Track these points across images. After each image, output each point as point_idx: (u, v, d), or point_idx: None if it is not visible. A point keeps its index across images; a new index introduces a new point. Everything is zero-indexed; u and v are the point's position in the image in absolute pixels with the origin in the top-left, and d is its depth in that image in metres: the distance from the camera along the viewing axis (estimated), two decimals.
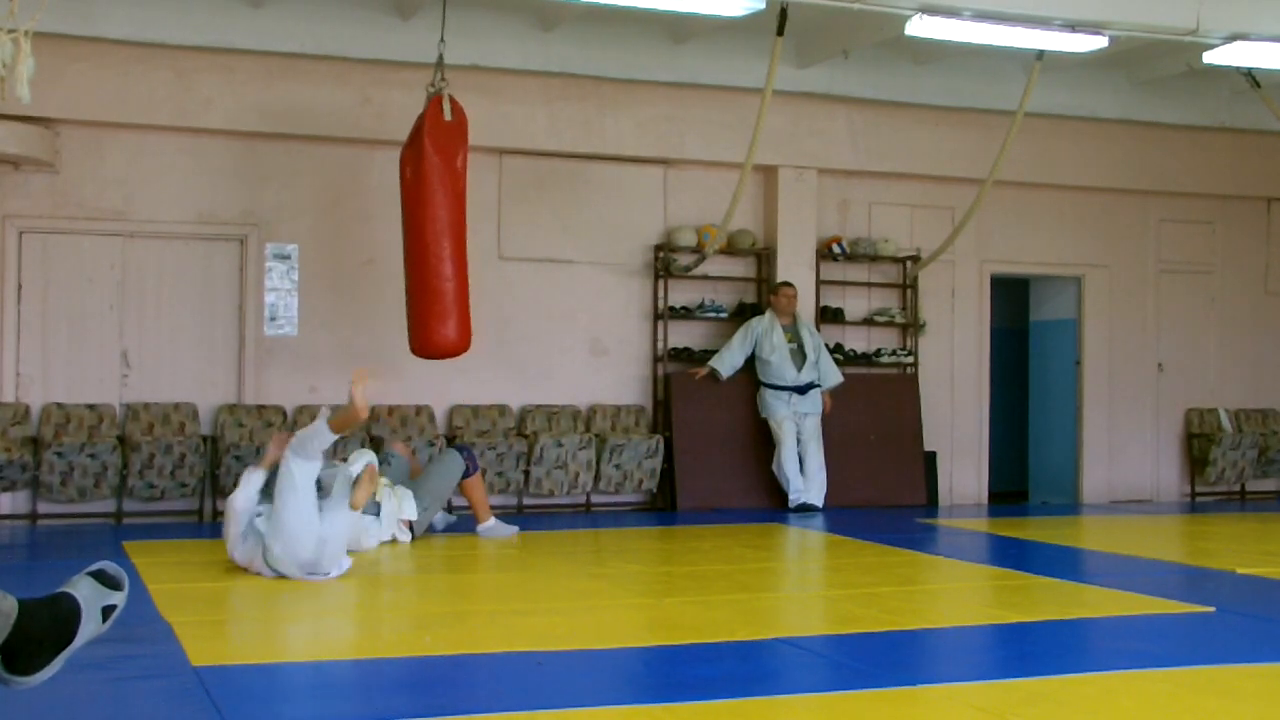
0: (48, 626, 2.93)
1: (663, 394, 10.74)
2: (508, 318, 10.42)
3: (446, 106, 8.58)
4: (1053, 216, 12.04)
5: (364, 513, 7.81)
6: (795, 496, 10.35)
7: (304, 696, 4.21)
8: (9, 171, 9.34)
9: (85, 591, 3.04)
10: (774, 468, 10.46)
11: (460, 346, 8.84)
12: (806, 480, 10.42)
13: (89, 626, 3.01)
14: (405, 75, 9.67)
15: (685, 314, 10.86)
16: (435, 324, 8.68)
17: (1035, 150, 11.34)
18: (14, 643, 2.83)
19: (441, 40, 8.63)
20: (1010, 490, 12.54)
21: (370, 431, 9.88)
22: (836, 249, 11.14)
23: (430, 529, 8.47)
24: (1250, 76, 10.03)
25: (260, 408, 9.74)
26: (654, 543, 8.72)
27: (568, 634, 5.23)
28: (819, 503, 10.42)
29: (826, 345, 10.80)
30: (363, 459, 7.21)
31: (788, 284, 10.65)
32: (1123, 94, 11.66)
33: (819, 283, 11.13)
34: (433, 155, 8.54)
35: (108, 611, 3.07)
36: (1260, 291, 12.76)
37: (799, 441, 10.46)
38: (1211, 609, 5.91)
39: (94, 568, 3.14)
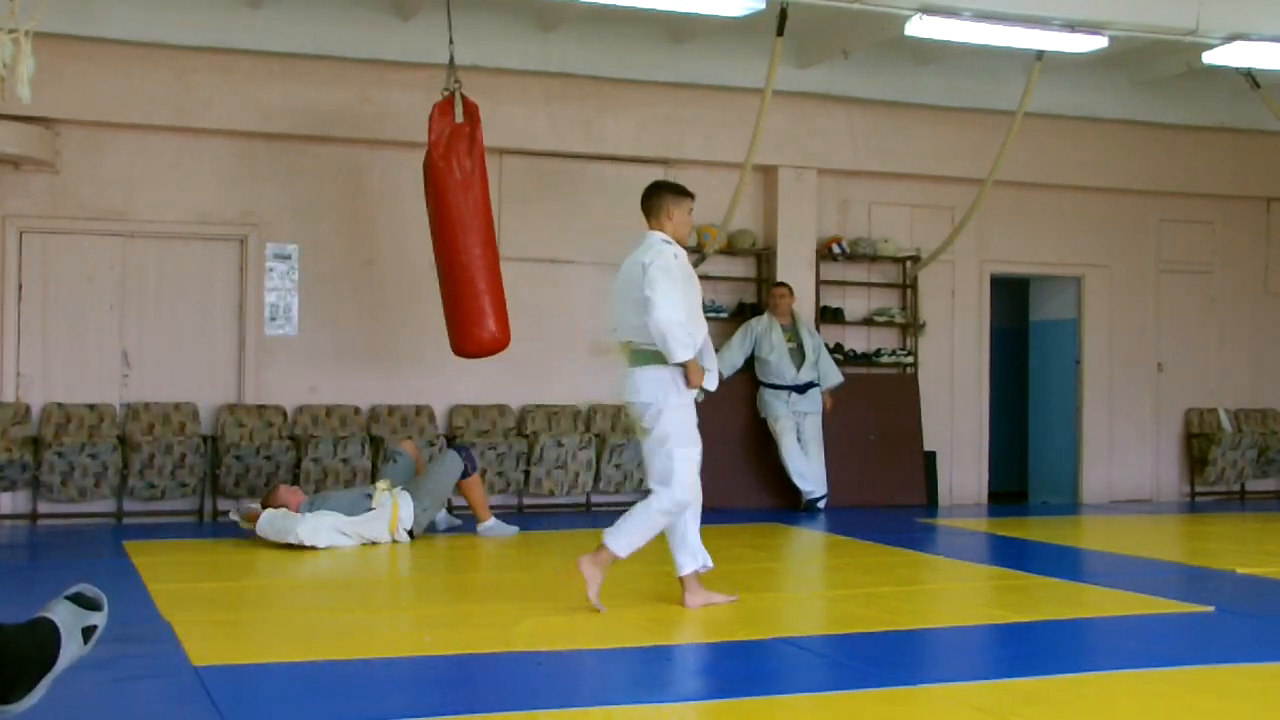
0: (27, 651, 2.91)
1: None
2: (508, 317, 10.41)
3: (459, 107, 8.59)
4: (1053, 216, 12.04)
5: (355, 512, 7.87)
6: (808, 491, 10.35)
7: (304, 696, 4.21)
8: (9, 171, 9.33)
9: (63, 615, 3.02)
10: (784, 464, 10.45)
11: (500, 343, 8.85)
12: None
13: (70, 648, 2.99)
14: (405, 75, 9.67)
15: None
16: (474, 322, 8.69)
17: (1035, 150, 11.34)
18: None
19: (450, 41, 8.63)
20: (1010, 490, 12.53)
21: (370, 432, 9.88)
22: (836, 249, 11.14)
23: (432, 528, 8.47)
24: (1250, 76, 10.03)
25: (260, 407, 9.73)
26: (654, 543, 8.67)
27: (568, 634, 5.23)
28: (821, 501, 10.42)
29: (826, 345, 10.79)
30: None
31: (780, 284, 10.65)
32: (1123, 94, 11.66)
33: (819, 283, 11.13)
34: (445, 159, 8.53)
35: (89, 632, 3.05)
36: (1260, 291, 12.76)
37: (799, 441, 10.46)
38: (1211, 609, 5.92)
39: (71, 591, 3.11)
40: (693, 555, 5.79)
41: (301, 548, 7.66)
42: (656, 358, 5.65)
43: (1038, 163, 11.54)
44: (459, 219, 8.56)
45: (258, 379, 9.81)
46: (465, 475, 8.43)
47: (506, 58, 10.07)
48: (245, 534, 8.12)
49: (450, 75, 8.63)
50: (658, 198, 5.93)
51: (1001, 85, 10.95)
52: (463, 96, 8.62)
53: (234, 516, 8.34)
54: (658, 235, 5.85)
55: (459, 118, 8.59)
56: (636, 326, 5.69)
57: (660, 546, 8.48)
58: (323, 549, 7.71)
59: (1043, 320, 12.65)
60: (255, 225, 9.85)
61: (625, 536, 5.66)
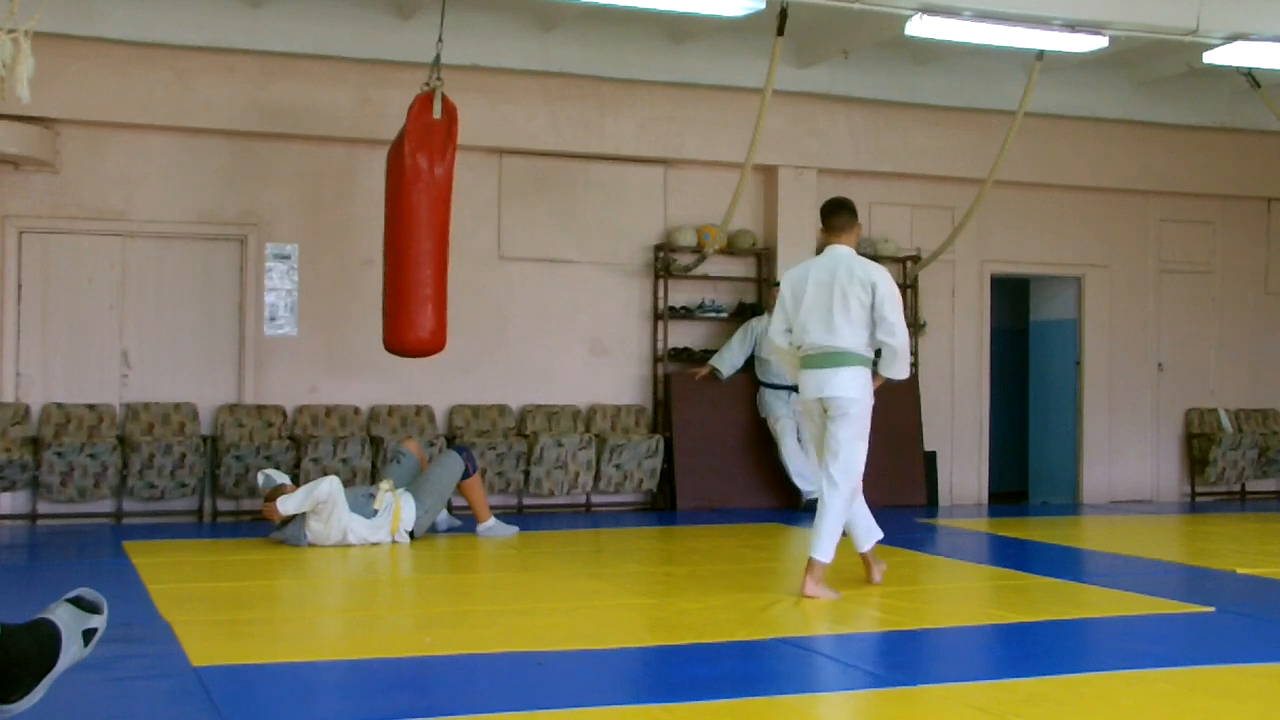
0: (28, 652, 2.92)
1: (663, 394, 10.73)
2: (508, 318, 10.42)
3: (438, 105, 8.57)
4: (1053, 216, 12.04)
5: (362, 514, 7.86)
6: (808, 491, 10.33)
7: (304, 696, 4.21)
8: (9, 171, 9.33)
9: (64, 617, 3.03)
10: (784, 464, 10.44)
11: (434, 345, 8.78)
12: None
13: (71, 650, 3.00)
14: (405, 75, 9.65)
15: (685, 314, 10.85)
16: (409, 322, 8.63)
17: (1035, 150, 11.34)
18: None
19: (440, 39, 8.62)
20: (1010, 490, 12.53)
21: (370, 432, 9.88)
22: None
23: (432, 529, 8.47)
24: (1250, 76, 10.03)
25: (260, 408, 9.73)
26: (654, 543, 8.71)
27: (568, 634, 5.23)
28: None
29: None
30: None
31: (777, 284, 10.63)
32: (1123, 94, 11.66)
33: None
34: (414, 153, 8.51)
35: (89, 635, 3.07)
36: (1260, 291, 12.76)
37: (800, 441, 10.46)
38: (1211, 609, 5.92)
39: (72, 594, 3.13)
40: (868, 532, 6.45)
41: (313, 546, 7.72)
42: (857, 359, 6.11)
43: (1038, 163, 11.54)
44: (417, 215, 8.51)
45: (257, 379, 9.81)
46: (466, 476, 8.43)
47: (506, 58, 10.07)
48: (245, 531, 8.11)
49: (433, 72, 8.61)
50: (850, 215, 6.33)
51: (1001, 85, 10.95)
52: (443, 95, 8.60)
53: (260, 481, 8.24)
54: (849, 250, 6.25)
55: (437, 114, 8.58)
56: (844, 334, 6.06)
57: (658, 546, 8.51)
58: (331, 546, 7.74)
59: (1043, 320, 12.65)
60: (255, 225, 9.85)
61: (827, 542, 6.12)
